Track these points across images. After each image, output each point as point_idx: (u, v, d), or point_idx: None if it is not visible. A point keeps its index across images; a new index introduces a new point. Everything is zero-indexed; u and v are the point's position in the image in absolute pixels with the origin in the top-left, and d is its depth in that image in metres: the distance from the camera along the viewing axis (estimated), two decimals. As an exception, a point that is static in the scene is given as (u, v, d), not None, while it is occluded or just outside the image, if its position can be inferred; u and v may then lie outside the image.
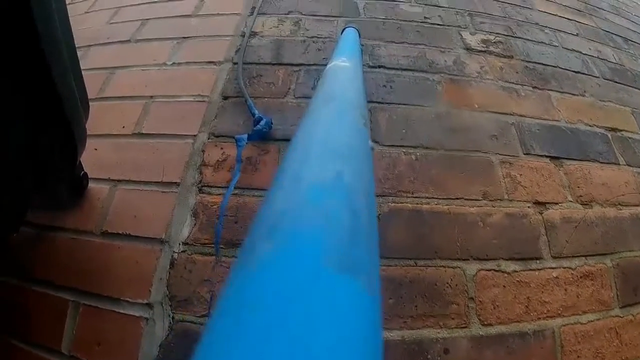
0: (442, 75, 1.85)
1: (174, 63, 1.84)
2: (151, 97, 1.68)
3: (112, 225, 1.32)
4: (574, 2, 2.73)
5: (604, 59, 2.27)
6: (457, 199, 1.40)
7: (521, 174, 1.50)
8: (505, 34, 2.18)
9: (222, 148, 1.50)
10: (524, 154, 1.57)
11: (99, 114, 1.55)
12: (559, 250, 1.34)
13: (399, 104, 1.68)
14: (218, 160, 1.46)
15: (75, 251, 1.29)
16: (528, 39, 2.19)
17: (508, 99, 1.79)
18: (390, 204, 1.37)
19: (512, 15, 2.35)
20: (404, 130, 1.58)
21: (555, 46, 2.22)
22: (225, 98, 1.68)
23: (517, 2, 2.49)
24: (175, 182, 1.39)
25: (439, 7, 2.28)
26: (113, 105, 1.69)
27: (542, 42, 2.20)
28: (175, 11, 2.16)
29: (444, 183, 1.43)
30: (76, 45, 1.62)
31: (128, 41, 1.99)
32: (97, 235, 1.30)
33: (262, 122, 1.47)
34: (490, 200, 1.41)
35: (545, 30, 2.31)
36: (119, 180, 1.42)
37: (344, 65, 0.98)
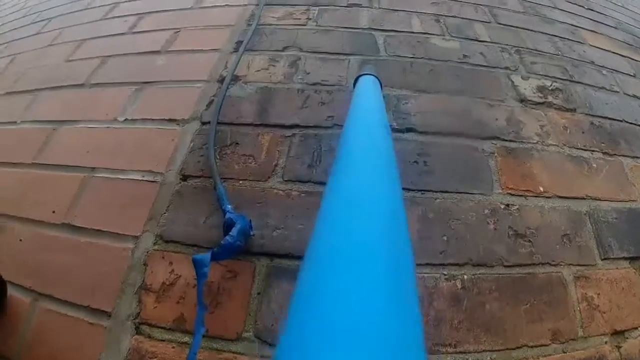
0: (495, 142, 1.19)
1: (126, 119, 1.28)
2: (92, 169, 1.16)
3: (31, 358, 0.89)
4: (622, 34, 2.08)
5: (666, 106, 1.62)
6: (519, 347, 0.85)
7: (599, 293, 0.94)
8: (562, 77, 1.51)
9: (171, 262, 0.92)
10: (602, 259, 1.00)
11: (32, 186, 1.17)
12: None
13: (437, 191, 1.04)
14: (164, 283, 0.90)
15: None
16: (588, 84, 1.53)
17: (579, 175, 1.16)
18: (423, 366, 0.73)
19: (565, 53, 1.68)
20: (445, 238, 0.96)
21: (617, 92, 1.56)
22: (184, 178, 1.08)
23: (567, 36, 1.82)
24: (106, 312, 0.89)
25: (479, 41, 1.60)
26: (48, 176, 1.19)
27: (603, 88, 1.54)
28: (142, 46, 1.60)
29: (502, 324, 0.86)
30: (27, 89, 1.56)
31: (82, 85, 1.48)
32: (16, 367, 0.87)
33: (235, 231, 0.84)
34: (562, 343, 0.87)
35: (603, 72, 1.65)
36: (40, 294, 0.95)
37: None
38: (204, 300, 0.81)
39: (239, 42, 1.45)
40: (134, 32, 1.71)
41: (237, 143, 1.13)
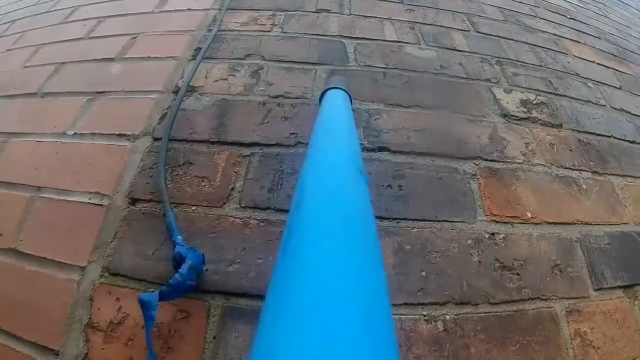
0: (477, 162, 1.07)
1: (75, 134, 1.15)
2: (39, 188, 1.03)
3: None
4: (606, 44, 1.99)
5: (653, 120, 1.54)
6: (506, 395, 0.75)
7: (592, 328, 0.86)
8: (547, 90, 1.41)
9: (118, 299, 0.81)
10: (595, 289, 0.91)
11: (-19, 205, 1.04)
12: None
13: (414, 220, 0.92)
14: (111, 322, 0.79)
15: None
16: (573, 98, 1.43)
17: (568, 198, 1.07)
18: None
19: (549, 64, 1.58)
20: (423, 273, 0.85)
21: (603, 106, 1.47)
22: (133, 202, 0.95)
23: (550, 46, 1.73)
24: (54, 350, 0.79)
25: (458, 51, 1.48)
26: (-4, 194, 1.05)
27: (589, 102, 1.45)
28: (97, 52, 1.46)
29: (489, 369, 0.75)
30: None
31: (34, 94, 1.34)
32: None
33: (185, 268, 0.73)
34: (554, 385, 0.77)
35: (589, 84, 1.56)
36: (-13, 325, 0.84)
37: None
38: (154, 344, 0.73)
39: (198, 49, 1.32)
40: (91, 37, 1.57)
41: (190, 163, 1.00)
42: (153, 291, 0.72)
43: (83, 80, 1.34)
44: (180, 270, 0.72)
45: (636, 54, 2.08)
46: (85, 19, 1.71)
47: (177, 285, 0.71)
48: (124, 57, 1.39)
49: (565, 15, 2.10)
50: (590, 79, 1.59)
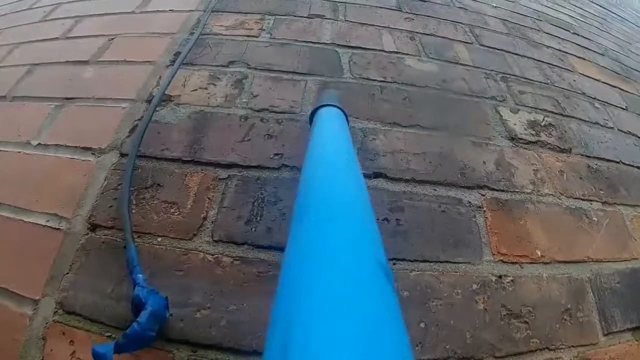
0: (484, 192, 0.95)
1: (39, 144, 1.02)
2: None
3: None
4: (609, 61, 1.90)
5: (661, 143, 1.44)
6: None
7: None
8: (555, 110, 1.30)
9: (72, 341, 0.69)
10: (605, 334, 0.81)
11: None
12: None
13: (413, 260, 0.80)
14: None
15: None
16: (581, 119, 1.32)
17: (579, 232, 0.95)
18: None
19: (555, 82, 1.46)
20: (423, 324, 0.73)
21: (611, 128, 1.36)
22: (93, 228, 0.81)
23: (556, 62, 1.61)
24: None
25: (461, 65, 1.36)
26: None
27: (597, 124, 1.34)
28: (71, 54, 1.32)
29: None
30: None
31: (4, 98, 1.21)
32: None
33: (144, 316, 0.62)
34: None
35: (596, 104, 1.45)
36: None
37: None
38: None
39: (178, 54, 1.19)
40: (68, 37, 1.44)
41: (159, 185, 0.87)
42: (109, 339, 0.64)
43: (54, 84, 1.21)
44: (138, 319, 0.61)
45: (638, 71, 1.99)
46: (64, 18, 1.59)
47: (135, 337, 0.60)
48: (98, 60, 1.27)
49: (568, 30, 2.01)
50: (597, 99, 1.49)
